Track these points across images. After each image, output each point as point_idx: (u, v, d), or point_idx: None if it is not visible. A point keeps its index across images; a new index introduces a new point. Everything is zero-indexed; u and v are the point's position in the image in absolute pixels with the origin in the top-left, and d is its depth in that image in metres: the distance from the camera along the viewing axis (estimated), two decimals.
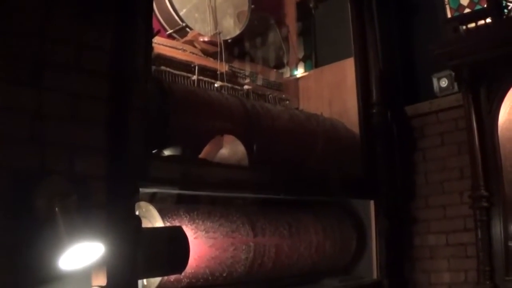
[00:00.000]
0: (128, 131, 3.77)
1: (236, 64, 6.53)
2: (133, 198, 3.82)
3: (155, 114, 4.32)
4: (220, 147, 5.21)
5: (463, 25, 5.27)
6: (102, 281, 3.49)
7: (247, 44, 6.91)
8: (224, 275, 4.64)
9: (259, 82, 6.68)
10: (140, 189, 3.93)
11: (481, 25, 5.20)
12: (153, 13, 5.95)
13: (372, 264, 5.84)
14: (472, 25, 5.23)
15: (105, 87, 3.69)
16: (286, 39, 7.52)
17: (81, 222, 3.24)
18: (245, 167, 4.89)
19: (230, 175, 4.67)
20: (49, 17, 3.49)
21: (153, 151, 4.45)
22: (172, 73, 5.67)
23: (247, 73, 6.60)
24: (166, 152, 4.66)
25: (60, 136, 3.41)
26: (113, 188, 3.59)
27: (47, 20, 3.48)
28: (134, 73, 3.90)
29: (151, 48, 4.59)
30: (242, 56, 6.79)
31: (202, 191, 4.61)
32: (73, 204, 3.26)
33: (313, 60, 7.38)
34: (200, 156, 4.83)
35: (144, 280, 4.19)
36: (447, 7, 6.34)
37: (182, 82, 5.72)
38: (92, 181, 3.49)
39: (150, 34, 4.43)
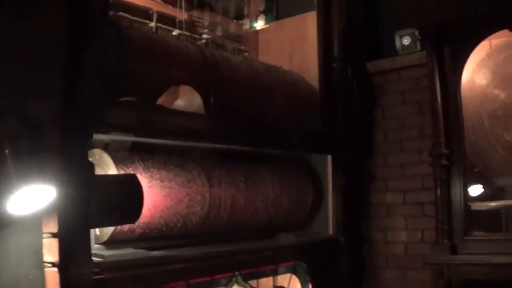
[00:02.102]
0: (83, 74, 3.67)
1: (195, 13, 6.40)
2: (87, 143, 3.74)
3: (112, 59, 4.17)
4: (176, 97, 5.12)
5: None
6: (53, 228, 3.41)
7: None
8: (179, 226, 4.56)
9: (219, 32, 6.57)
10: (95, 135, 3.84)
11: None
12: None
13: (328, 220, 5.82)
14: None
15: (61, 28, 3.56)
16: None
17: (33, 165, 3.15)
18: (203, 115, 4.78)
19: (187, 123, 4.56)
20: None
21: (112, 97, 4.29)
22: (130, 19, 5.53)
23: (206, 23, 6.46)
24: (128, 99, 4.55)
25: (13, 77, 3.27)
26: (67, 132, 3.50)
27: None
28: (91, 15, 3.79)
29: None
30: (202, 5, 6.65)
31: (158, 138, 4.49)
32: (25, 146, 3.16)
33: (274, 12, 7.25)
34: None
35: (97, 230, 4.10)
36: None
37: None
38: (45, 124, 3.39)
39: None
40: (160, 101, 4.70)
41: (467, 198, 4.93)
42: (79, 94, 3.63)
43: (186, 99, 5.05)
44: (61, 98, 3.50)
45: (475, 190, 5.27)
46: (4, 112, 3.19)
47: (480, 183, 5.31)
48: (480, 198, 5.28)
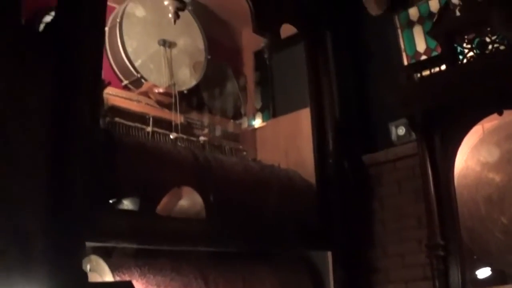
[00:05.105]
0: (71, 184, 3.70)
1: (193, 115, 6.50)
2: (78, 252, 3.70)
3: (104, 167, 4.21)
4: (179, 198, 5.15)
5: (418, 72, 5.25)
6: None
7: (204, 95, 6.89)
8: None
9: (218, 133, 6.65)
10: (87, 243, 3.82)
11: (435, 72, 5.18)
12: (109, 64, 5.95)
13: None
14: (427, 72, 5.20)
15: (46, 139, 3.62)
16: (244, 88, 7.54)
17: (22, 279, 3.15)
18: (196, 220, 4.80)
19: (181, 228, 4.59)
20: None
21: (104, 204, 4.34)
22: (126, 125, 5.62)
23: (205, 124, 6.56)
24: (120, 205, 4.58)
25: None
26: (56, 242, 3.50)
27: None
28: (77, 124, 3.84)
29: (100, 100, 4.53)
30: (199, 106, 6.75)
31: (152, 245, 4.49)
32: (13, 260, 3.17)
33: (271, 110, 7.37)
34: (158, 207, 4.74)
35: None
36: (404, 54, 6.36)
37: (137, 134, 5.67)
38: (32, 235, 3.41)
39: (99, 85, 4.38)
40: (163, 202, 4.74)
41: (465, 287, 4.88)
42: (67, 204, 3.64)
43: (189, 200, 5.08)
44: (48, 208, 3.52)
45: (476, 276, 5.23)
46: None
47: (480, 269, 5.26)
48: (481, 283, 5.22)
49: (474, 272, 5.22)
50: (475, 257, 5.25)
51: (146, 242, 4.38)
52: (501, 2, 4.78)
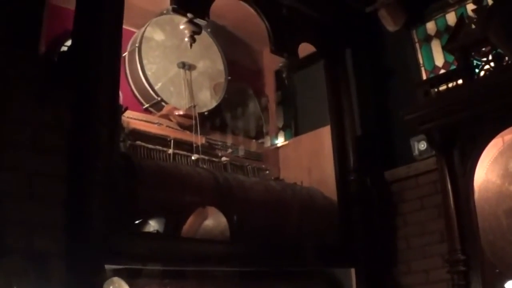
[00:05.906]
0: (88, 207, 3.74)
1: (214, 136, 6.52)
2: (97, 275, 3.75)
3: (124, 190, 4.26)
4: (205, 218, 5.17)
5: (435, 87, 5.24)
6: None
7: (225, 116, 6.91)
8: None
9: (240, 153, 6.67)
10: (106, 266, 3.86)
11: (452, 87, 5.16)
12: (129, 88, 6.01)
13: None
14: (444, 87, 5.19)
15: (64, 165, 3.68)
16: (265, 108, 7.54)
17: None
18: (217, 241, 4.82)
19: (200, 249, 4.59)
20: (6, 96, 3.50)
21: (123, 227, 4.37)
22: (147, 147, 5.65)
23: (228, 144, 6.59)
24: (143, 228, 4.63)
25: (18, 214, 3.38)
26: (75, 265, 3.55)
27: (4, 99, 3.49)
28: (95, 150, 3.89)
29: (117, 125, 4.57)
30: (220, 127, 6.77)
31: (170, 266, 4.50)
32: (32, 282, 3.22)
33: (293, 128, 7.38)
34: (184, 227, 4.78)
35: None
36: (422, 69, 6.35)
37: (158, 156, 5.70)
38: (51, 258, 3.46)
39: (116, 111, 4.43)
40: (189, 222, 4.78)
41: None
42: (85, 227, 3.69)
43: (214, 220, 5.10)
44: (66, 232, 3.58)
45: None
46: (11, 248, 3.27)
47: (503, 283, 5.21)
48: None
49: (501, 286, 5.16)
50: (497, 270, 5.19)
51: (165, 263, 4.40)
52: (497, 20, 4.77)
